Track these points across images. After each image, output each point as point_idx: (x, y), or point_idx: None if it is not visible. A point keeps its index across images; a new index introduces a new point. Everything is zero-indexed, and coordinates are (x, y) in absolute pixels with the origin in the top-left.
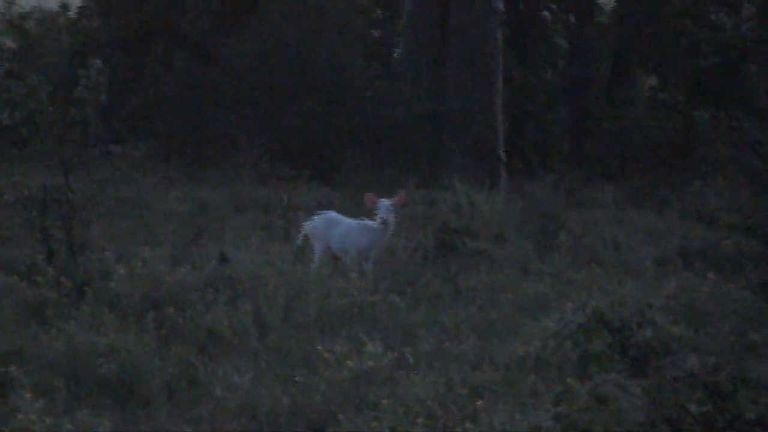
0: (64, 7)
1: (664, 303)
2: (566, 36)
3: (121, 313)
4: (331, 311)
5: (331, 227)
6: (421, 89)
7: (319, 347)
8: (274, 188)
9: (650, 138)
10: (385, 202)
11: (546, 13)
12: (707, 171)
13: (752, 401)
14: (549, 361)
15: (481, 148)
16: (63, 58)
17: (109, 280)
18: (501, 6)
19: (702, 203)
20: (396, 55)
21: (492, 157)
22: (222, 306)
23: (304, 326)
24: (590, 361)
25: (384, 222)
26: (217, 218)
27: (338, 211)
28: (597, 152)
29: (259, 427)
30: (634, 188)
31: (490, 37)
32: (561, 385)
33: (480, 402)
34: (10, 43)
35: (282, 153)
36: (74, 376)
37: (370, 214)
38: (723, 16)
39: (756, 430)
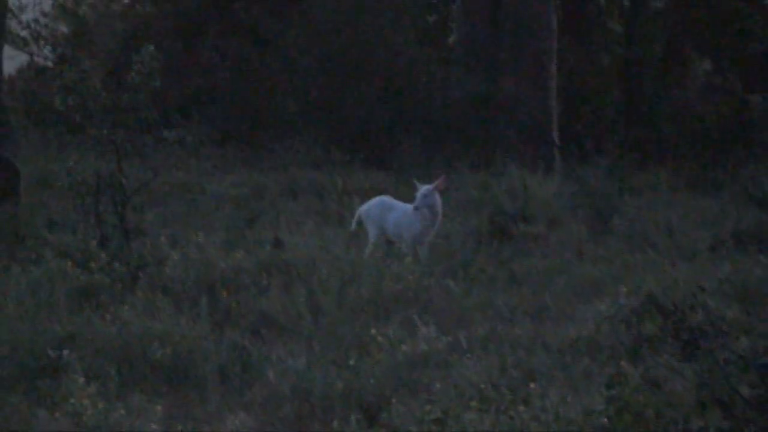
0: None
1: (717, 286)
2: (620, 20)
3: (174, 297)
4: (384, 295)
5: (385, 212)
6: (475, 73)
7: (373, 331)
8: (329, 173)
9: (704, 122)
10: (423, 189)
11: None
12: (761, 154)
13: None
14: (602, 345)
15: (535, 131)
16: (116, 43)
17: (163, 265)
18: None
19: (755, 186)
20: (450, 39)
21: (546, 141)
22: (276, 290)
23: (357, 310)
24: (643, 345)
25: (417, 209)
26: (271, 203)
27: (392, 196)
28: (651, 136)
29: (312, 411)
30: (687, 172)
31: (544, 20)
32: (614, 368)
33: (533, 385)
34: (63, 29)
35: (336, 138)
36: (127, 360)
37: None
38: None
39: None
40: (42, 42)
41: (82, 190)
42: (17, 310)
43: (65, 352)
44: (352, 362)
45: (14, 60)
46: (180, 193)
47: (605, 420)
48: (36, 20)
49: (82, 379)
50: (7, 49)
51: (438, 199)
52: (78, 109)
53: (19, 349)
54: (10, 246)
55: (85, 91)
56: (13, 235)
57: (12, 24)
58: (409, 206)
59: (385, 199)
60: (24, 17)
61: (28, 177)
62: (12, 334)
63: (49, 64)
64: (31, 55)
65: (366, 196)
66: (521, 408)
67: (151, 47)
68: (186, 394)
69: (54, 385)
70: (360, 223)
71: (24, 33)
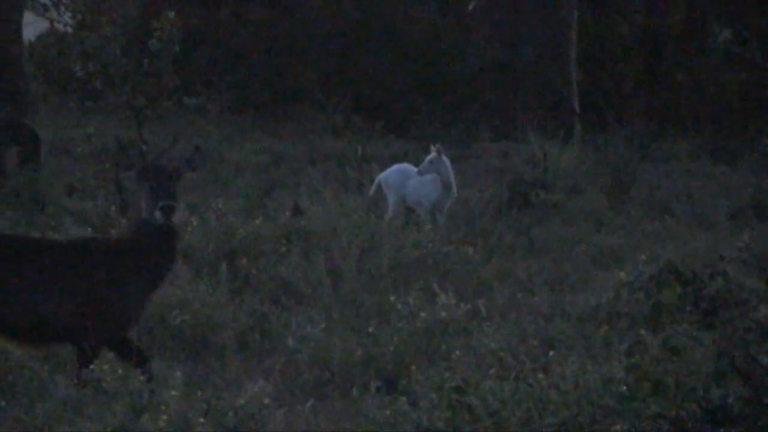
0: None
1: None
2: None
3: (194, 264)
4: (404, 263)
5: (405, 179)
6: (495, 41)
7: (392, 298)
8: (349, 140)
9: (724, 91)
10: (429, 156)
11: None
12: None
13: None
14: (621, 313)
15: (555, 100)
16: (137, 9)
17: (183, 231)
18: None
19: None
20: (470, 7)
21: (566, 109)
22: (295, 257)
23: (377, 278)
24: (662, 313)
25: (421, 173)
26: (290, 170)
27: (411, 163)
28: (670, 105)
29: (331, 378)
30: (707, 141)
31: None
32: (633, 337)
33: (552, 353)
34: None
35: (356, 105)
36: (146, 327)
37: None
38: None
39: None
40: (62, 8)
41: (102, 157)
42: None
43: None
44: (371, 330)
45: (34, 26)
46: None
47: (624, 388)
48: None
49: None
50: (27, 16)
51: (447, 166)
52: (98, 75)
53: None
54: (30, 213)
55: (105, 58)
56: (33, 201)
57: None
58: (428, 174)
59: (405, 166)
60: None
61: (48, 144)
62: None
63: (69, 30)
64: (51, 21)
65: (385, 163)
66: (540, 376)
67: (172, 13)
68: (205, 361)
69: (73, 350)
70: (379, 190)
71: None
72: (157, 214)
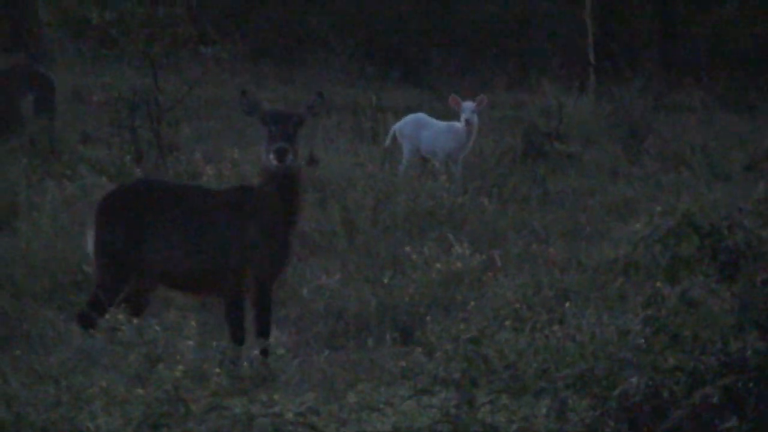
0: None
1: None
2: None
3: None
4: (419, 213)
5: (420, 129)
6: None
7: (407, 249)
8: (364, 89)
9: (740, 41)
10: (468, 104)
11: None
12: None
13: None
14: (638, 265)
15: (570, 50)
16: None
17: (198, 180)
18: None
19: None
20: None
21: (581, 60)
22: (310, 208)
23: (392, 228)
24: (680, 265)
25: (468, 123)
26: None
27: (426, 113)
28: (686, 56)
29: (346, 328)
30: (722, 92)
31: None
32: (650, 289)
33: (568, 305)
34: None
35: (371, 54)
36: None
37: (458, 116)
38: None
39: None
40: None
41: (117, 105)
42: (52, 225)
43: None
44: (386, 280)
45: None
46: (215, 108)
47: (641, 341)
48: None
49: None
50: None
51: (476, 117)
52: (114, 23)
53: (53, 263)
54: (45, 161)
55: (121, 6)
56: (48, 149)
57: None
58: (443, 123)
59: (420, 116)
60: None
61: (64, 92)
62: (47, 249)
63: None
64: None
65: (400, 113)
66: (556, 328)
67: None
68: (220, 311)
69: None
70: (394, 140)
71: None
72: (271, 157)
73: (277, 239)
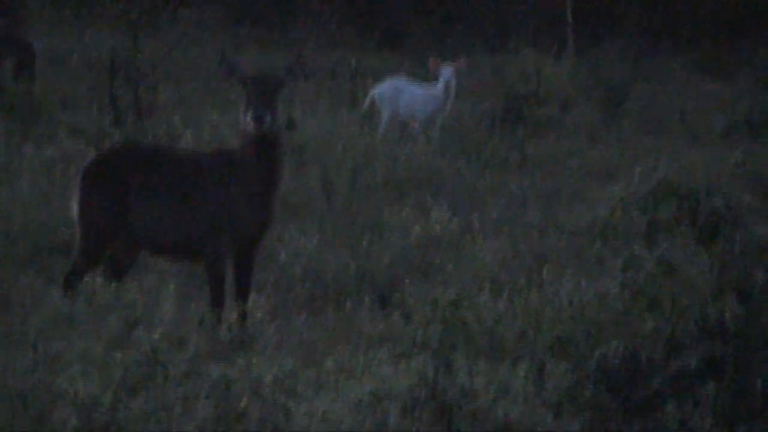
0: None
1: (732, 171)
2: None
3: None
4: (397, 177)
5: (398, 93)
6: None
7: (386, 213)
8: (343, 53)
9: (720, 6)
10: (447, 68)
11: None
12: None
13: None
14: (616, 229)
15: (549, 13)
16: None
17: (177, 143)
18: None
19: None
20: None
21: (560, 23)
22: (289, 171)
23: (370, 192)
24: (658, 229)
25: (447, 86)
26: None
27: (406, 77)
28: (666, 20)
29: (324, 292)
30: (701, 56)
31: None
32: (628, 253)
33: (546, 269)
34: None
35: (351, 18)
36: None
37: (437, 79)
38: None
39: None
40: None
41: (96, 68)
42: (31, 189)
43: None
44: (364, 244)
45: None
46: (195, 71)
47: (619, 305)
48: None
49: None
50: None
51: (455, 81)
52: None
53: (32, 228)
54: (24, 124)
55: None
56: (27, 113)
57: None
58: (421, 87)
59: (398, 80)
60: None
61: (43, 55)
62: (25, 214)
63: None
64: None
65: (379, 77)
66: (534, 292)
67: None
68: (198, 275)
69: (66, 264)
70: (372, 104)
71: None
72: (250, 121)
73: (259, 203)
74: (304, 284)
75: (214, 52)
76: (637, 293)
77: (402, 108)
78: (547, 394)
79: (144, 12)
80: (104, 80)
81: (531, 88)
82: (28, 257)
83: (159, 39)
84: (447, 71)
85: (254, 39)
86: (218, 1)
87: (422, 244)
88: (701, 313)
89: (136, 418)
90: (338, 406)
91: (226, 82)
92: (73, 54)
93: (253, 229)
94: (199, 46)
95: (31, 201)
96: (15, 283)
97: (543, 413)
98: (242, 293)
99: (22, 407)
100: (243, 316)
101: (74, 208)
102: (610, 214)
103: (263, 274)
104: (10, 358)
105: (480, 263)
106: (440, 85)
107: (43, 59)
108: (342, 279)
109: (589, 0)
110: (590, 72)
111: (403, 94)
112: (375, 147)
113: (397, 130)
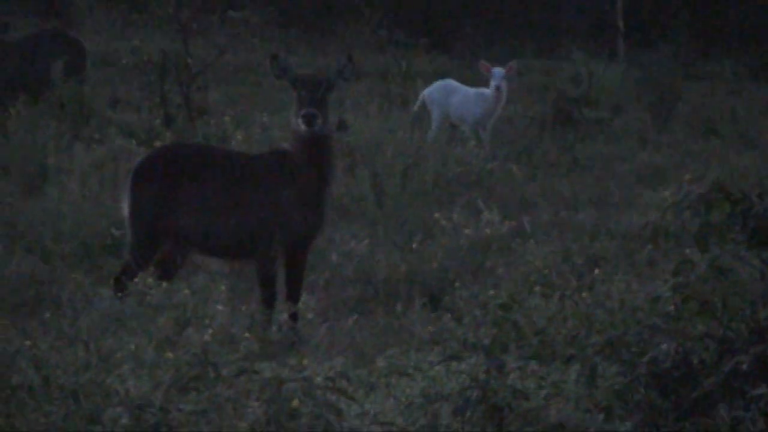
0: None
1: None
2: None
3: None
4: (448, 179)
5: (449, 95)
6: None
7: (437, 215)
8: (393, 56)
9: None
10: (498, 70)
11: None
12: None
13: None
14: (667, 232)
15: (600, 17)
16: None
17: (227, 144)
18: None
19: None
20: None
21: (610, 27)
22: (340, 173)
23: (421, 194)
24: (709, 232)
25: (498, 89)
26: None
27: (455, 79)
28: (715, 23)
29: (375, 294)
30: (751, 60)
31: None
32: (679, 256)
33: (597, 271)
34: None
35: (400, 20)
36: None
37: (487, 82)
38: None
39: None
40: None
41: (147, 69)
42: (81, 188)
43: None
44: (415, 246)
45: None
46: (245, 73)
47: (671, 308)
48: None
49: None
50: None
51: (506, 84)
52: None
53: (82, 227)
54: (75, 124)
55: None
56: (78, 113)
57: None
58: (472, 89)
59: (449, 82)
60: None
61: (94, 55)
62: (76, 213)
63: None
64: None
65: (429, 79)
66: (585, 294)
67: None
68: (250, 275)
69: (117, 264)
70: (423, 106)
71: None
72: (300, 122)
73: (311, 204)
74: (354, 285)
75: (264, 53)
76: (689, 296)
77: (452, 110)
78: (599, 395)
79: (194, 13)
80: (155, 81)
81: (582, 91)
82: (79, 256)
83: (209, 40)
84: (498, 74)
85: (304, 41)
86: (268, 3)
87: (473, 246)
88: (752, 316)
89: (186, 418)
90: (389, 406)
91: (277, 84)
92: (123, 55)
93: (304, 231)
94: (249, 47)
95: (81, 200)
96: (66, 282)
97: (594, 415)
98: (293, 294)
99: (74, 406)
100: (294, 317)
101: (125, 208)
102: (661, 218)
103: (314, 275)
104: (61, 356)
105: (531, 266)
106: (491, 87)
107: (94, 59)
108: (392, 280)
109: (639, 5)
110: (641, 75)
111: (453, 96)
112: (425, 149)
113: (447, 132)
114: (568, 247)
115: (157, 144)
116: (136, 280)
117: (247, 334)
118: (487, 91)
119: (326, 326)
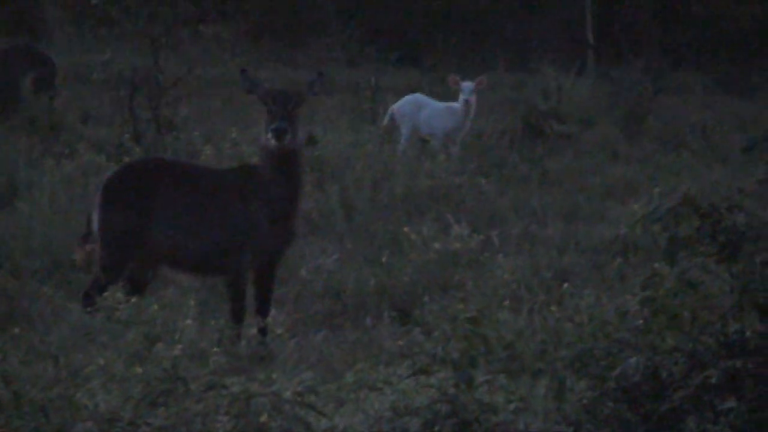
0: None
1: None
2: None
3: None
4: (417, 193)
5: (418, 109)
6: None
7: (406, 229)
8: (363, 70)
9: (740, 23)
10: (467, 84)
11: None
12: None
13: None
14: (636, 246)
15: (570, 31)
16: None
17: (197, 159)
18: None
19: None
20: None
21: (581, 41)
22: (309, 187)
23: (390, 208)
24: (679, 246)
25: (467, 103)
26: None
27: (425, 94)
28: (686, 37)
29: (344, 308)
30: (722, 74)
31: None
32: (648, 270)
33: (566, 285)
34: None
35: (371, 35)
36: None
37: (457, 96)
38: None
39: None
40: None
41: (117, 84)
42: (51, 204)
43: None
44: (384, 260)
45: None
46: (215, 88)
47: (640, 321)
48: None
49: None
50: None
51: (475, 97)
52: (114, 2)
53: (52, 242)
54: (44, 139)
55: None
56: (48, 128)
57: None
58: (441, 104)
59: (418, 96)
60: None
61: (64, 70)
62: (46, 228)
63: None
64: None
65: (400, 93)
66: (554, 308)
67: None
68: (219, 290)
69: (87, 279)
70: (392, 120)
71: None
72: (270, 136)
73: (280, 218)
74: (324, 300)
75: (234, 68)
76: (658, 310)
77: (422, 124)
78: (568, 409)
79: (165, 28)
80: (125, 96)
81: (551, 105)
82: (49, 271)
83: (180, 55)
84: (467, 88)
85: (274, 56)
86: (239, 17)
87: (442, 260)
88: (722, 330)
89: None
90: (359, 420)
91: (247, 98)
92: (93, 70)
93: (273, 245)
94: (220, 62)
95: (51, 215)
96: (36, 297)
97: (563, 429)
98: (262, 308)
99: (44, 420)
100: (263, 331)
101: (95, 222)
102: (631, 231)
103: (283, 290)
104: (31, 371)
105: (500, 280)
106: (460, 101)
107: (64, 74)
108: (362, 295)
109: (609, 19)
110: (611, 89)
111: (422, 110)
112: (395, 163)
113: (416, 146)
114: (537, 261)
115: (126, 159)
116: (105, 294)
117: (216, 349)
118: (457, 105)
119: (295, 341)
